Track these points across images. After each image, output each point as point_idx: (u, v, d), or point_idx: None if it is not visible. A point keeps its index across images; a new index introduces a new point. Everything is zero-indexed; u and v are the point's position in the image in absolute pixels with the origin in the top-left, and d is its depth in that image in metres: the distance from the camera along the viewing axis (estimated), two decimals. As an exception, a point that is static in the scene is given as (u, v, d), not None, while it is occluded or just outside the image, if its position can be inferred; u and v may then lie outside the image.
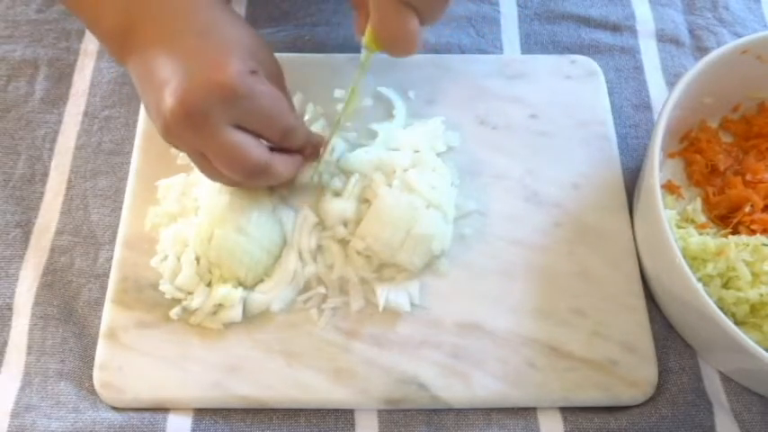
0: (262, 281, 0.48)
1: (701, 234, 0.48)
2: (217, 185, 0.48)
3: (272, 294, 0.48)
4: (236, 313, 0.47)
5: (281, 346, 0.47)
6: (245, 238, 0.46)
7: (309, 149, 0.48)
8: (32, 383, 0.47)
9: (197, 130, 0.41)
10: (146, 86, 0.43)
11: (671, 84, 0.60)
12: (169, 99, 0.40)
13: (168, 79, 0.41)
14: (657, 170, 0.45)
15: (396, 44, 0.44)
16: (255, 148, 0.43)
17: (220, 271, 0.47)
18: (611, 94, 0.58)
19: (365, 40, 0.45)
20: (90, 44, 0.61)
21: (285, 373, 0.46)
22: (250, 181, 0.44)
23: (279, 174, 0.45)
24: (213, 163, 0.43)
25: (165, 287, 0.47)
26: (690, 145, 0.55)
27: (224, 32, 0.44)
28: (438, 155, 0.52)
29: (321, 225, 0.50)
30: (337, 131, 0.50)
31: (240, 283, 0.47)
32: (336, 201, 0.50)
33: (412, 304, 0.48)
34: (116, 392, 0.46)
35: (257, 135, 0.43)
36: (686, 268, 0.43)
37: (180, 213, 0.50)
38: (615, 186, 0.53)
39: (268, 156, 0.44)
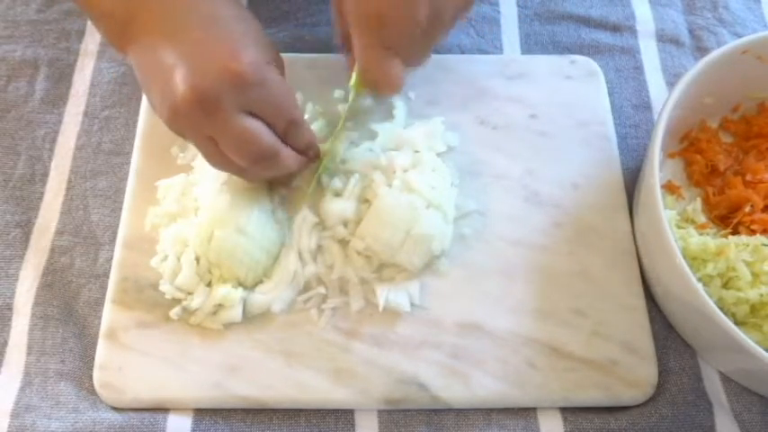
0: (261, 281, 0.48)
1: (701, 234, 0.48)
2: (217, 186, 0.48)
3: (272, 295, 0.48)
4: (236, 313, 0.47)
5: (281, 346, 0.47)
6: (245, 238, 0.46)
7: (312, 152, 0.48)
8: (32, 383, 0.47)
9: (209, 116, 0.41)
10: (150, 73, 0.43)
11: (671, 84, 0.60)
12: (181, 85, 0.40)
13: (179, 65, 0.41)
14: (657, 170, 0.45)
15: (378, 86, 0.48)
16: (266, 134, 0.43)
17: (220, 271, 0.47)
18: (611, 94, 0.58)
19: (352, 81, 0.48)
20: (90, 44, 0.61)
21: (285, 373, 0.46)
22: (257, 168, 0.44)
23: (285, 163, 0.45)
24: (223, 148, 0.43)
25: (165, 287, 0.47)
26: (690, 145, 0.55)
27: (234, 22, 0.44)
28: (438, 155, 0.52)
29: (321, 225, 0.50)
30: (327, 159, 0.50)
31: (240, 284, 0.47)
32: (336, 201, 0.49)
33: (412, 304, 0.48)
34: (116, 392, 0.46)
35: (265, 123, 0.43)
36: (686, 268, 0.43)
37: (180, 213, 0.50)
38: (615, 186, 0.53)
39: (277, 143, 0.44)
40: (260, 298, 0.47)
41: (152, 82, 0.43)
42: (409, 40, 0.46)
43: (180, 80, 0.40)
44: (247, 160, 0.43)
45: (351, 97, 0.50)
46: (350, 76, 0.49)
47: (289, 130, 0.45)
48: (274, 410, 0.46)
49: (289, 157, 0.45)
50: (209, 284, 0.47)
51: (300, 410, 0.46)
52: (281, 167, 0.45)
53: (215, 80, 0.40)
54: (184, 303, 0.47)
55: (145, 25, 0.43)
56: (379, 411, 0.47)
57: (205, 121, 0.41)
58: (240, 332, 0.47)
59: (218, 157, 0.44)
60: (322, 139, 0.51)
